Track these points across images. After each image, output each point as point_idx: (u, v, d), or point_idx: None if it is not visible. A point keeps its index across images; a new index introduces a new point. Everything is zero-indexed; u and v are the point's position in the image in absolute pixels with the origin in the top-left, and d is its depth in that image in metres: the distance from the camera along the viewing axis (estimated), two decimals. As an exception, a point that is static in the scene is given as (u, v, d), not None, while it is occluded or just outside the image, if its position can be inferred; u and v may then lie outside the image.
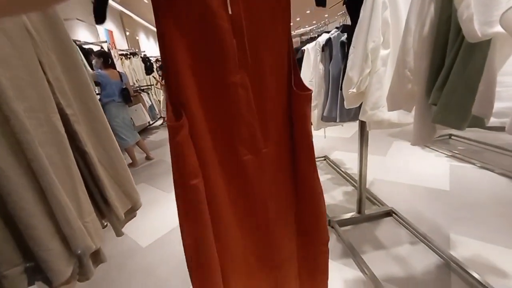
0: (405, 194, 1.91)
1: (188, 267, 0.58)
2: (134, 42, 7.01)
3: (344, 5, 1.21)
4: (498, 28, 0.55)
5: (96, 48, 3.51)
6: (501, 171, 1.97)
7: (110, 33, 4.54)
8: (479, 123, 0.73)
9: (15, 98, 0.50)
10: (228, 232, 0.61)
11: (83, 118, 0.71)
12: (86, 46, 3.25)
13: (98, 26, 4.23)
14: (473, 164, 2.17)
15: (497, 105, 0.67)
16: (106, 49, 3.59)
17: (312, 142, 0.62)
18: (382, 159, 2.51)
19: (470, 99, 0.69)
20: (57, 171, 0.57)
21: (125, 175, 0.85)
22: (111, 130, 0.79)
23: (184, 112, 0.49)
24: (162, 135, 4.94)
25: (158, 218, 2.03)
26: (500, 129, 0.68)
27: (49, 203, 0.53)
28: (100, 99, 2.93)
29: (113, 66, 3.04)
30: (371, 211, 1.70)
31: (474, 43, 0.65)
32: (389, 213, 1.69)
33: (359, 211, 1.64)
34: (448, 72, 0.73)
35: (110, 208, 0.76)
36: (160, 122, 6.10)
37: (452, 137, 2.77)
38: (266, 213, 0.63)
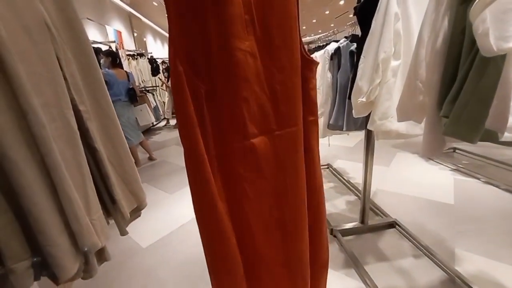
0: (409, 206, 1.89)
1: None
2: (142, 43, 7.10)
3: (355, 16, 1.22)
4: (515, 43, 0.55)
5: (104, 48, 3.56)
6: (506, 187, 1.95)
7: (118, 33, 4.61)
8: (492, 137, 0.73)
9: (33, 93, 0.51)
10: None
11: (95, 116, 0.72)
12: (95, 45, 3.30)
13: (107, 26, 4.30)
14: (478, 178, 2.15)
15: (511, 120, 0.67)
16: (114, 49, 3.63)
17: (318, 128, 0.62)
18: (386, 170, 2.50)
19: (483, 113, 0.69)
20: (68, 167, 0.57)
21: (133, 174, 0.85)
22: (121, 129, 0.79)
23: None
24: (165, 136, 4.95)
25: (159, 219, 2.02)
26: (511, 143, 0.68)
27: (59, 199, 0.53)
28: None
29: (120, 66, 3.07)
30: (374, 221, 1.68)
31: (488, 57, 0.65)
32: (392, 224, 1.67)
33: (362, 221, 1.63)
34: (461, 85, 0.73)
35: (117, 206, 0.76)
36: (163, 123, 6.13)
37: (457, 150, 2.75)
38: (281, 210, 0.62)
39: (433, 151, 0.88)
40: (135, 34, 6.35)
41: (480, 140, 0.76)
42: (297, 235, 0.65)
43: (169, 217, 2.03)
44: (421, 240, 1.47)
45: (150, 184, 2.71)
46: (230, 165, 0.57)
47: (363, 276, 1.28)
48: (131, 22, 5.96)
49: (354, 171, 2.55)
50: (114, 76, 2.84)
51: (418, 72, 0.81)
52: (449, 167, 2.42)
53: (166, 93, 5.53)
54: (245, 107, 0.53)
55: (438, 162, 2.53)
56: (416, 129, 1.10)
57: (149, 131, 5.52)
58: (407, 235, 1.56)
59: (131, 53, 4.68)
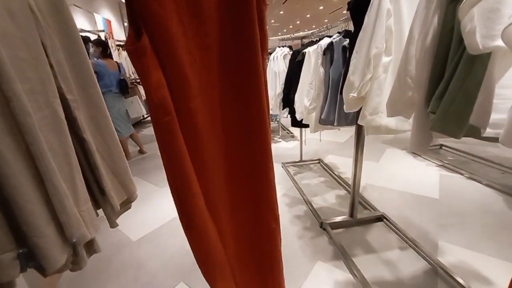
0: (396, 200, 1.94)
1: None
2: (133, 34, 6.90)
3: (348, 11, 1.23)
4: (499, 42, 0.57)
5: (93, 37, 3.45)
6: (487, 183, 2.03)
7: (108, 22, 4.45)
8: (475, 133, 0.76)
9: (17, 79, 0.49)
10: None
11: (83, 105, 0.70)
12: (82, 34, 3.18)
13: (95, 14, 4.14)
14: (461, 174, 2.23)
15: (493, 116, 0.69)
16: (103, 38, 3.52)
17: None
18: (375, 165, 2.55)
19: (468, 109, 0.71)
20: (55, 157, 0.56)
21: (123, 165, 0.84)
22: (110, 120, 0.78)
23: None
24: (156, 129, 4.88)
25: (149, 212, 2.01)
26: (493, 139, 0.71)
27: (46, 189, 0.52)
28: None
29: (111, 56, 2.99)
30: (362, 215, 1.73)
31: (475, 55, 0.67)
32: (380, 218, 1.72)
33: (351, 214, 1.67)
34: (448, 82, 0.75)
35: (106, 198, 0.75)
36: (154, 116, 6.03)
37: (443, 147, 2.83)
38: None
39: (421, 146, 0.90)
40: (126, 24, 6.17)
41: (464, 135, 0.78)
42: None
43: (159, 211, 2.02)
44: (407, 233, 1.52)
45: (140, 177, 2.68)
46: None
47: (351, 267, 1.32)
48: (121, 11, 5.77)
49: (344, 166, 2.60)
50: (105, 66, 2.77)
51: (408, 69, 0.83)
52: (435, 163, 2.49)
53: (158, 85, 5.42)
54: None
55: (425, 158, 2.60)
56: (405, 125, 1.13)
57: (139, 124, 5.43)
58: (394, 228, 1.61)
59: (121, 43, 4.54)
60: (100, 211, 0.78)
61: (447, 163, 2.42)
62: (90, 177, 0.69)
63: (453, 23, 0.75)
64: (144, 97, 4.62)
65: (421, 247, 1.41)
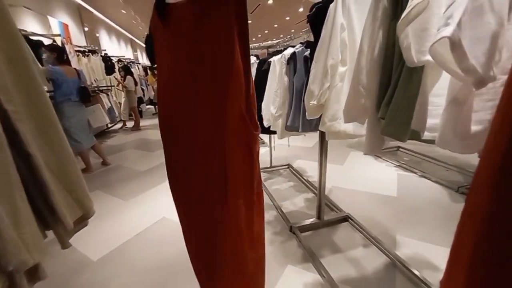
0: (360, 200, 2.06)
1: None
2: (94, 39, 6.54)
3: (308, 23, 1.30)
4: (429, 57, 0.65)
5: (47, 41, 3.19)
6: (436, 180, 2.26)
7: (65, 26, 4.16)
8: (417, 136, 0.84)
9: None
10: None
11: (28, 116, 0.65)
12: (34, 38, 2.94)
13: (50, 17, 3.85)
14: (415, 173, 2.45)
15: (430, 122, 0.78)
16: (59, 44, 3.28)
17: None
18: (340, 168, 2.69)
19: (410, 115, 0.79)
20: (-9, 174, 0.51)
21: (77, 180, 0.78)
22: (62, 131, 0.73)
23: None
24: (121, 139, 4.62)
25: (112, 228, 1.88)
26: (431, 142, 0.80)
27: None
28: (52, 97, 2.66)
29: (68, 62, 2.80)
30: (329, 216, 1.80)
31: (412, 67, 0.76)
32: (346, 218, 1.80)
33: (319, 217, 1.73)
34: (393, 91, 0.83)
35: (57, 217, 0.69)
36: (120, 125, 5.72)
37: (400, 149, 3.09)
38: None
39: (374, 149, 0.98)
40: (86, 29, 5.83)
41: (409, 138, 0.87)
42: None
43: (124, 226, 1.90)
44: (369, 231, 1.62)
45: (103, 191, 2.50)
46: None
47: (320, 269, 1.36)
48: (80, 15, 5.44)
49: (312, 170, 2.70)
50: (62, 73, 2.57)
51: (360, 78, 0.90)
52: (393, 163, 2.70)
53: (122, 93, 5.18)
54: None
55: (385, 160, 2.81)
56: (362, 130, 1.21)
57: (103, 134, 5.10)
58: (358, 227, 1.70)
59: (82, 49, 4.27)
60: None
61: (404, 164, 2.64)
62: (36, 195, 0.64)
63: (395, 39, 0.84)
64: (107, 106, 4.38)
65: (382, 243, 1.50)
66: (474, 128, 0.69)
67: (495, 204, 0.52)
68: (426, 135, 0.77)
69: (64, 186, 0.74)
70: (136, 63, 7.51)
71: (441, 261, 1.36)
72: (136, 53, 12.11)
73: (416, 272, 1.26)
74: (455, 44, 0.54)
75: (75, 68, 2.81)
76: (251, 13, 9.77)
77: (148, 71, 7.49)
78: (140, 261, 1.51)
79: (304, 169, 2.76)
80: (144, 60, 14.32)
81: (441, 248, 1.46)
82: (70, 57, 3.48)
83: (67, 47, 3.53)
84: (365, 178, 2.44)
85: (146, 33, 0.80)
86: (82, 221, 0.85)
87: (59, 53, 2.63)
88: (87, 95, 2.80)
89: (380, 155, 2.90)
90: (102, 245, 1.69)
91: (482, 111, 0.67)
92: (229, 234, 0.76)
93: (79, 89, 2.71)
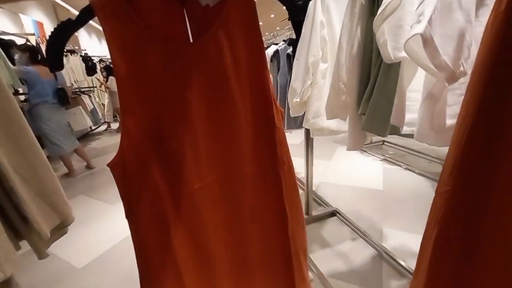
0: (347, 195, 2.10)
1: None
2: (73, 38, 6.29)
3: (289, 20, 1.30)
4: (405, 53, 0.67)
5: (20, 41, 3.05)
6: (419, 172, 2.33)
7: (39, 25, 3.98)
8: (397, 131, 0.86)
9: None
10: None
11: (-5, 122, 0.61)
12: (5, 37, 2.79)
13: (22, 16, 3.67)
14: (400, 166, 2.52)
15: (408, 116, 0.80)
16: (34, 43, 3.14)
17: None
18: (328, 164, 2.73)
19: (389, 110, 0.80)
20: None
21: (52, 186, 0.75)
22: (32, 134, 0.69)
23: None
24: (106, 141, 4.49)
25: (97, 234, 1.83)
26: (410, 136, 0.82)
27: None
28: (27, 100, 2.55)
29: (44, 62, 2.67)
30: (317, 212, 1.82)
31: (390, 64, 0.77)
32: (334, 213, 1.83)
33: (307, 212, 1.75)
34: (373, 87, 0.84)
35: (30, 226, 0.66)
36: (104, 127, 5.56)
37: (385, 143, 3.16)
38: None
39: (357, 145, 1.00)
40: (64, 28, 5.59)
41: (390, 133, 0.89)
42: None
43: (110, 230, 1.86)
44: (356, 225, 1.65)
45: (88, 195, 2.43)
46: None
47: (309, 263, 1.38)
48: (56, 13, 5.21)
49: (300, 167, 2.69)
50: (35, 74, 2.46)
51: (340, 75, 0.91)
52: (379, 157, 2.77)
53: (106, 94, 5.03)
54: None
55: (370, 154, 2.88)
56: (345, 126, 1.22)
57: (87, 136, 4.95)
58: (346, 221, 1.73)
59: (59, 49, 4.10)
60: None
61: (389, 157, 2.71)
62: (6, 204, 0.61)
63: (372, 35, 0.85)
64: (90, 107, 4.24)
65: (368, 235, 1.54)
66: (449, 121, 0.71)
67: (454, 193, 0.54)
68: (405, 129, 0.79)
69: (38, 193, 0.71)
70: (120, 62, 7.29)
71: (424, 250, 1.41)
72: (119, 52, 11.73)
73: (402, 262, 1.30)
74: (427, 40, 0.56)
75: (51, 69, 2.69)
76: (237, 10, 9.69)
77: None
78: (127, 267, 1.47)
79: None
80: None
81: (424, 238, 1.51)
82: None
83: (43, 47, 3.37)
84: (352, 173, 2.48)
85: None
86: (60, 229, 0.82)
87: (32, 53, 2.51)
88: (64, 97, 2.69)
89: (366, 149, 2.96)
90: (87, 251, 1.64)
91: (455, 105, 0.69)
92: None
93: (56, 91, 2.60)
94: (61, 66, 0.51)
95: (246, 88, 0.56)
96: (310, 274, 1.32)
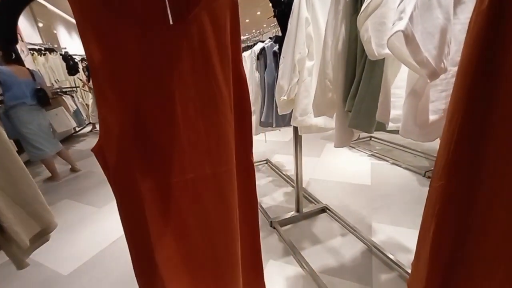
0: (336, 191, 2.13)
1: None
2: (52, 36, 6.05)
3: (275, 17, 1.29)
4: (388, 50, 0.67)
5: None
6: (405, 166, 2.39)
7: (16, 23, 3.80)
8: (383, 127, 0.87)
9: None
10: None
11: (-36, 127, 0.58)
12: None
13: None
14: (387, 161, 2.57)
15: (393, 113, 0.81)
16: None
17: None
18: (317, 160, 2.76)
19: (375, 107, 0.81)
20: None
21: (31, 192, 0.72)
22: (6, 139, 0.66)
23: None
24: (90, 143, 4.36)
25: (84, 239, 1.77)
26: (396, 132, 0.83)
27: None
28: (3, 102, 2.42)
29: (19, 62, 2.55)
30: (308, 209, 1.83)
31: (374, 61, 0.78)
32: (324, 209, 1.85)
33: (298, 210, 1.76)
34: (358, 84, 0.85)
35: (8, 235, 0.63)
36: (89, 128, 5.40)
37: (372, 139, 3.22)
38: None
39: (344, 142, 1.00)
40: (40, 25, 5.36)
41: (376, 130, 0.90)
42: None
43: (97, 235, 1.80)
44: (346, 220, 1.68)
45: (73, 199, 2.35)
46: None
47: (300, 261, 1.39)
48: (32, 10, 4.98)
49: (290, 164, 2.73)
50: (10, 74, 2.34)
51: (326, 72, 0.91)
52: (366, 153, 2.82)
53: (90, 94, 4.87)
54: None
55: (359, 150, 2.92)
56: (333, 123, 1.23)
57: (71, 138, 4.79)
58: (335, 217, 1.75)
59: (36, 47, 3.92)
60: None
61: (376, 152, 2.76)
62: (-22, 214, 0.57)
63: (357, 32, 0.86)
64: (73, 108, 4.09)
65: (358, 230, 1.56)
66: (432, 117, 0.72)
67: (448, 187, 0.56)
68: (391, 126, 0.80)
69: (15, 200, 0.68)
70: (104, 61, 7.07)
71: (411, 242, 1.44)
72: (103, 51, 11.35)
73: (391, 256, 1.33)
74: (408, 37, 0.56)
75: (28, 69, 2.57)
76: (223, 7, 9.58)
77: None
78: (115, 271, 1.44)
79: (282, 163, 2.78)
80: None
81: (410, 231, 1.55)
82: (23, 56, 3.18)
83: (18, 45, 3.22)
84: (341, 169, 2.51)
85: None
86: (41, 237, 0.78)
87: (5, 52, 2.39)
88: (45, 98, 2.58)
89: (354, 145, 3.01)
90: (73, 257, 1.59)
91: (438, 101, 0.71)
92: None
93: (36, 91, 2.49)
94: (15, 40, 0.46)
95: (230, 77, 0.54)
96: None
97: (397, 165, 2.46)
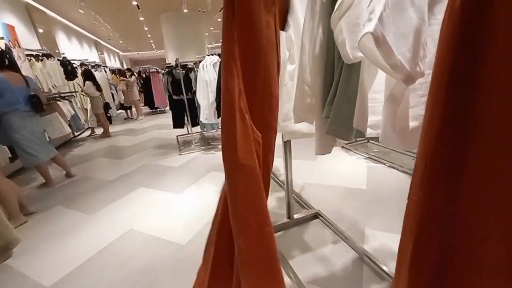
0: (330, 196, 2.07)
1: None
2: (51, 41, 6.09)
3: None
4: (361, 53, 0.63)
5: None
6: (403, 169, 2.33)
7: (10, 28, 3.80)
8: (363, 134, 0.82)
9: None
10: None
11: None
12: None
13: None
14: (384, 164, 2.51)
15: (372, 119, 0.76)
16: (3, 47, 2.99)
17: None
18: (313, 164, 2.70)
19: (352, 113, 0.77)
20: None
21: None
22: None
23: None
24: (89, 147, 4.36)
25: (72, 247, 1.74)
26: (376, 139, 0.78)
27: None
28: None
29: (14, 68, 2.55)
30: (300, 215, 1.78)
31: (351, 64, 0.73)
32: (316, 215, 1.80)
33: (289, 216, 1.71)
34: (336, 89, 0.80)
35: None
36: (88, 133, 5.41)
37: (370, 141, 3.16)
38: None
39: (325, 148, 0.96)
40: (41, 31, 5.40)
41: (355, 136, 0.85)
42: None
43: (85, 243, 1.77)
44: (338, 227, 1.62)
45: (65, 206, 2.33)
46: None
47: (288, 271, 1.34)
48: (30, 16, 5.01)
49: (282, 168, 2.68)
50: (4, 81, 2.34)
51: (304, 77, 0.87)
52: (363, 156, 2.75)
53: (88, 99, 4.88)
54: None
55: (355, 152, 2.86)
56: (318, 128, 1.19)
57: (69, 143, 4.79)
58: (327, 223, 1.70)
59: (34, 53, 3.93)
60: None
61: (373, 155, 2.70)
62: None
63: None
64: (71, 113, 4.09)
65: (350, 238, 1.51)
66: (412, 124, 0.67)
67: (426, 201, 0.52)
68: (371, 132, 0.75)
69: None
70: (103, 66, 7.11)
71: (404, 251, 1.38)
72: (103, 55, 11.44)
73: (383, 266, 1.27)
74: (378, 39, 0.52)
75: (22, 75, 2.56)
76: (220, 10, 9.59)
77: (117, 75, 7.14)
78: (102, 280, 1.40)
79: (275, 166, 2.73)
80: (112, 62, 13.63)
81: (405, 238, 1.49)
82: (19, 62, 3.18)
83: (15, 51, 3.22)
84: (337, 173, 2.46)
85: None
86: (3, 253, 0.75)
87: None
88: (39, 104, 2.57)
89: (351, 148, 2.95)
90: (58, 267, 1.55)
91: (418, 107, 0.66)
92: None
93: (29, 98, 2.48)
94: None
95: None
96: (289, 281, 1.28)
97: (394, 168, 2.40)
